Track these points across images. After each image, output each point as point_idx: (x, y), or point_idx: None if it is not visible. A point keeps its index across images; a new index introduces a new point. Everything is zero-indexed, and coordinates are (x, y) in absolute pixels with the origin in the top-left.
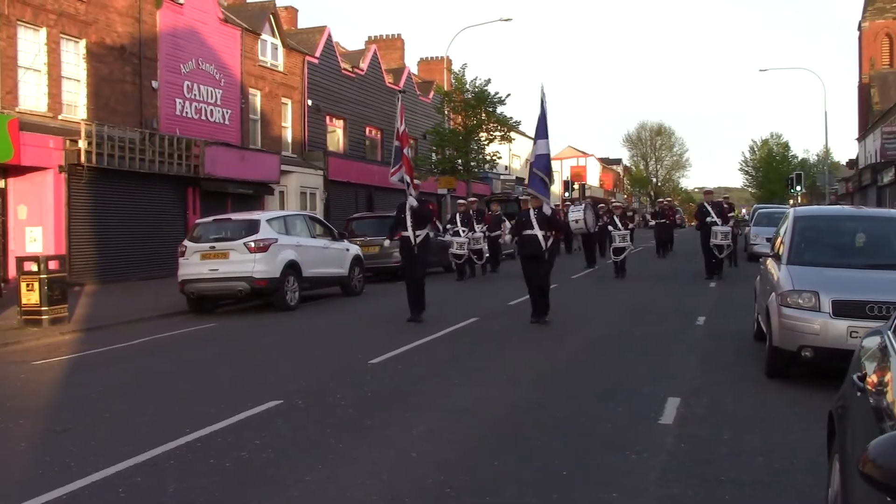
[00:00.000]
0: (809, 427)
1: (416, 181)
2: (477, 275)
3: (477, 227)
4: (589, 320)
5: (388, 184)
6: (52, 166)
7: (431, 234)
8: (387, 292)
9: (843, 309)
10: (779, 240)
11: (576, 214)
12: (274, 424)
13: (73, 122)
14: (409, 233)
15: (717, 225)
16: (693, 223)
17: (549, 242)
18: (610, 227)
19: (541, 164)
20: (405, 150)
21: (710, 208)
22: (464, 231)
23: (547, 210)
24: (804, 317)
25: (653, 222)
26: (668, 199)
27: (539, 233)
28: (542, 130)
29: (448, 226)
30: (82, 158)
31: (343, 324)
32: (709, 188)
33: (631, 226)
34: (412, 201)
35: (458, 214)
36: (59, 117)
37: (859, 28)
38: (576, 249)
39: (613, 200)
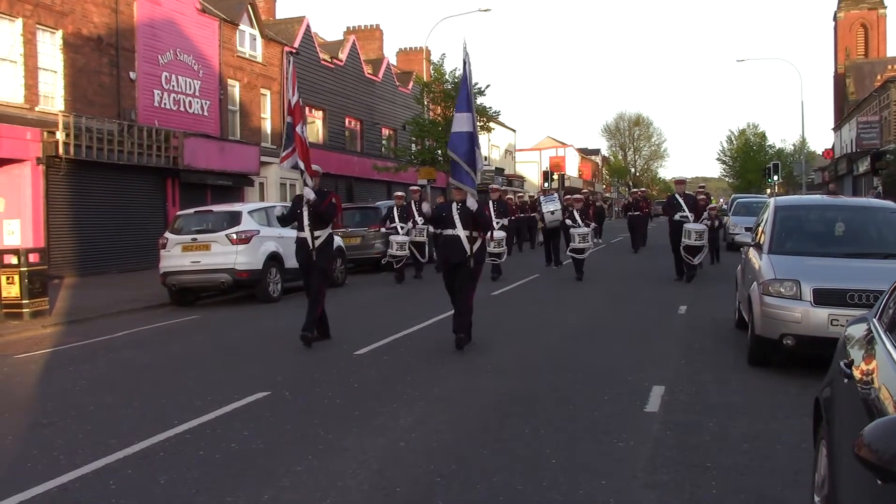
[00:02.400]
0: (792, 414)
1: (314, 167)
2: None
3: (419, 221)
4: (569, 311)
5: (370, 174)
6: (29, 158)
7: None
8: (369, 283)
9: (824, 297)
10: (760, 229)
11: (552, 205)
12: (262, 416)
13: (51, 114)
14: (307, 233)
15: (689, 221)
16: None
17: (476, 246)
18: (568, 222)
19: (460, 147)
20: (298, 128)
21: (681, 201)
22: (402, 227)
23: (472, 204)
24: (786, 305)
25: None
26: (643, 189)
27: (462, 233)
28: (463, 101)
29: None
30: (60, 150)
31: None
32: (682, 177)
33: (593, 225)
34: (308, 193)
35: (395, 208)
36: (37, 109)
37: (835, 18)
38: (539, 244)
39: (584, 190)
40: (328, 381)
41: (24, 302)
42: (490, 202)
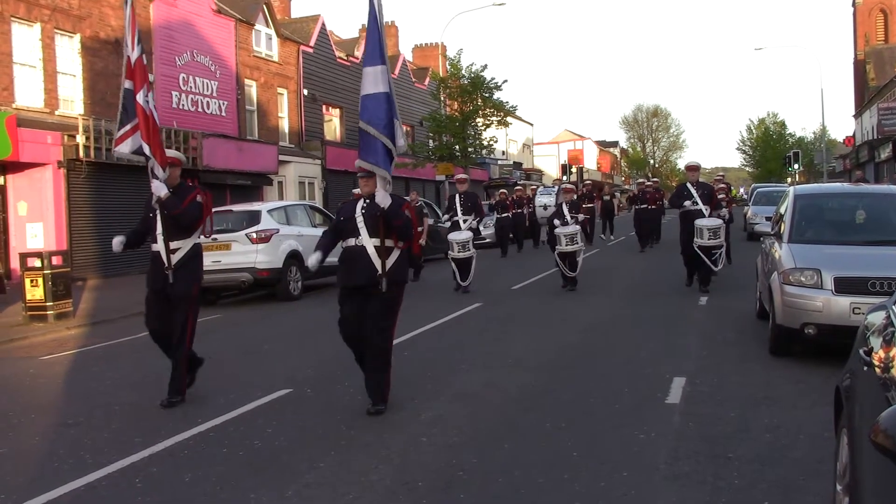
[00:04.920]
0: (814, 403)
1: (171, 153)
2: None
3: None
4: (587, 305)
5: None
6: (50, 162)
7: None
8: None
9: (845, 286)
10: (780, 218)
11: (546, 199)
12: (284, 413)
13: (71, 118)
14: (160, 246)
15: (703, 216)
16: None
17: (392, 261)
18: (556, 221)
19: (376, 114)
20: (140, 96)
21: (693, 191)
22: None
23: (383, 199)
24: (807, 294)
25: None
26: (654, 179)
27: (369, 243)
28: (375, 50)
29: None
30: (80, 153)
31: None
32: (694, 162)
33: (582, 218)
34: (158, 189)
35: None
36: (56, 113)
37: (853, 4)
38: (543, 243)
39: (587, 181)
40: (349, 377)
41: (48, 304)
42: (457, 196)
